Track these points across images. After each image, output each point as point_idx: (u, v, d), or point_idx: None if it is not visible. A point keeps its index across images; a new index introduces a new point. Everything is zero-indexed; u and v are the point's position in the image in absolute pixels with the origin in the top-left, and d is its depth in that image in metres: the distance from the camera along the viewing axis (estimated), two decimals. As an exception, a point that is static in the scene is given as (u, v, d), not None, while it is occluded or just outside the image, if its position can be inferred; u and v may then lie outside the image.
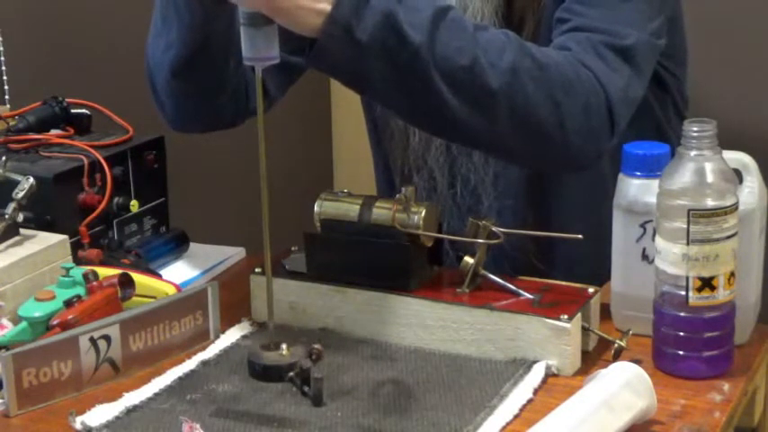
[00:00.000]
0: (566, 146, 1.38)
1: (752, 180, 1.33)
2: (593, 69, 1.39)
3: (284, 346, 1.31)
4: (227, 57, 1.49)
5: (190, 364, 1.34)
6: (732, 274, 1.27)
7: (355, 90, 1.37)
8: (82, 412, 1.23)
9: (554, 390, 1.26)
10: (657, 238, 1.28)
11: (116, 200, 1.62)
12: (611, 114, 1.40)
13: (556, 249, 1.62)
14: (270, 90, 1.60)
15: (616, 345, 1.30)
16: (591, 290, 1.35)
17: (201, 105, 1.56)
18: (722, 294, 1.27)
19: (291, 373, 1.26)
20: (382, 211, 1.38)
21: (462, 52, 1.31)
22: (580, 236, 1.33)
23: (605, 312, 1.39)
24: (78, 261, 1.50)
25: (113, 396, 1.27)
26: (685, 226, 1.25)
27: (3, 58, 2.09)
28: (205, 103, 1.55)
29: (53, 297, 1.37)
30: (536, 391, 1.26)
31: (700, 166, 1.24)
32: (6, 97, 2.09)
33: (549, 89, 1.35)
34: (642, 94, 1.46)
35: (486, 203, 1.61)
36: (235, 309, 1.45)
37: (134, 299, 1.41)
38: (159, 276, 1.53)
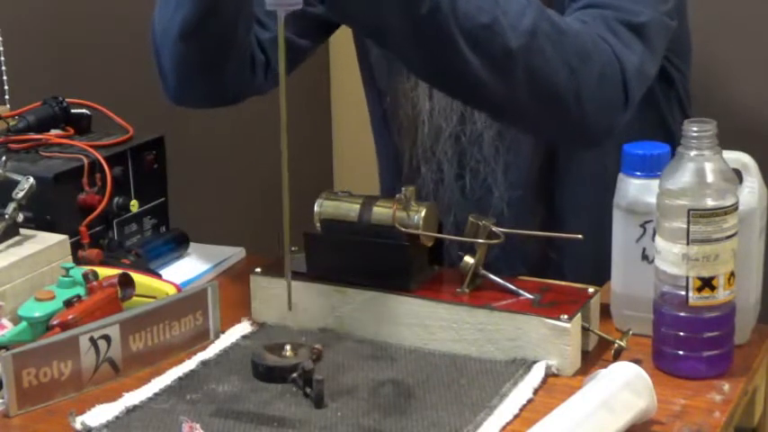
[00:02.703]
0: (581, 114, 1.38)
1: (752, 180, 1.33)
2: (609, 43, 1.40)
3: (288, 347, 1.31)
4: (237, 22, 1.48)
5: (190, 364, 1.34)
6: (732, 274, 1.27)
7: (375, 42, 1.37)
8: (82, 412, 1.23)
9: (554, 390, 1.26)
10: (657, 238, 1.28)
11: (116, 200, 1.62)
12: (625, 87, 1.40)
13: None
14: (273, 67, 1.60)
15: (616, 345, 1.30)
16: (591, 290, 1.35)
17: (206, 76, 1.54)
18: (722, 294, 1.27)
19: (294, 375, 1.26)
20: (382, 211, 1.38)
21: (483, 11, 1.31)
22: (580, 236, 1.33)
23: (605, 312, 1.39)
24: (78, 261, 1.50)
25: (113, 396, 1.27)
26: (685, 226, 1.25)
27: (3, 58, 2.09)
28: (210, 73, 1.54)
29: (53, 297, 1.37)
30: (536, 391, 1.26)
31: (700, 166, 1.24)
32: (6, 97, 2.08)
33: (566, 55, 1.35)
34: (654, 73, 1.47)
35: (497, 194, 1.61)
36: (235, 309, 1.45)
37: (134, 299, 1.41)
38: (159, 276, 1.53)
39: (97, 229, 1.60)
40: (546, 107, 1.38)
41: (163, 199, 1.72)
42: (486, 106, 1.45)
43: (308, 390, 1.25)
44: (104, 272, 1.43)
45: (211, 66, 1.53)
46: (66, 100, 1.73)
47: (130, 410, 1.24)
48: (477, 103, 1.45)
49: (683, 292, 1.26)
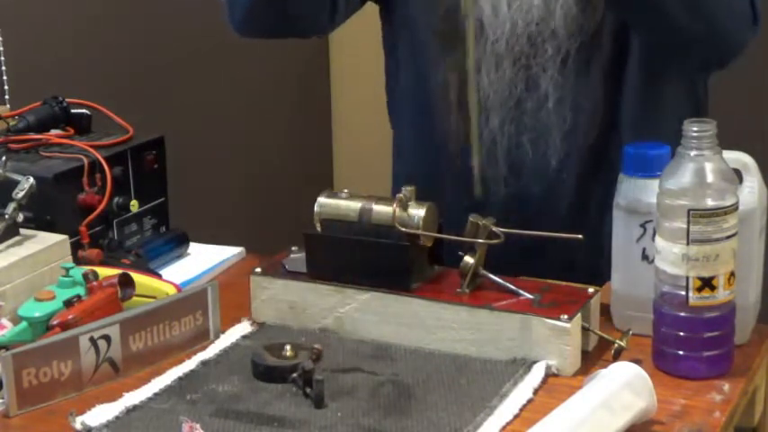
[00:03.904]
0: (724, 30, 1.50)
1: (752, 180, 1.33)
2: None
3: (288, 347, 1.31)
4: None
5: (190, 364, 1.34)
6: (732, 274, 1.27)
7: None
8: (82, 412, 1.23)
9: (554, 390, 1.26)
10: (657, 238, 1.28)
11: (116, 200, 1.62)
12: (753, 6, 1.52)
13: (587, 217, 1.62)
14: (339, 10, 1.62)
15: (616, 345, 1.30)
16: (591, 290, 1.35)
17: (273, 9, 1.58)
18: (722, 294, 1.27)
19: (294, 375, 1.26)
20: (382, 211, 1.38)
21: None
22: (580, 236, 1.33)
23: (605, 312, 1.39)
24: (78, 261, 1.50)
25: (113, 396, 1.27)
26: (685, 226, 1.25)
27: (3, 58, 2.09)
28: (277, 6, 1.57)
29: (53, 297, 1.37)
30: (536, 391, 1.26)
31: (700, 166, 1.24)
32: (6, 97, 2.09)
33: None
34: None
35: (554, 163, 1.61)
36: (235, 309, 1.45)
37: (134, 299, 1.41)
38: (159, 276, 1.53)
39: (97, 229, 1.60)
40: (702, 24, 1.47)
41: (163, 199, 1.72)
42: (661, 31, 1.52)
43: (308, 390, 1.25)
44: (104, 272, 1.43)
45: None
46: (67, 100, 1.73)
47: (130, 410, 1.24)
48: (657, 28, 1.52)
49: (683, 292, 1.26)
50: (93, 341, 1.30)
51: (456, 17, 1.60)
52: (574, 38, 1.57)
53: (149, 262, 1.60)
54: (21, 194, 1.47)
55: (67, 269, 1.40)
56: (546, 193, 1.62)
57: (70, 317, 1.33)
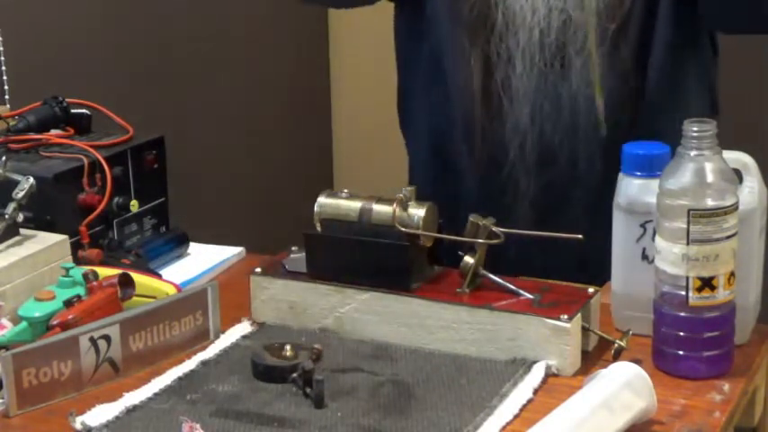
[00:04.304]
0: None
1: (752, 180, 1.33)
2: None
3: (288, 347, 1.31)
4: None
5: (190, 364, 1.34)
6: (732, 274, 1.27)
7: None
8: (82, 412, 1.23)
9: (554, 390, 1.26)
10: (657, 238, 1.28)
11: (116, 200, 1.62)
12: None
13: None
14: None
15: (616, 345, 1.30)
16: (591, 290, 1.35)
17: None
18: (722, 294, 1.27)
19: (294, 375, 1.26)
20: (382, 211, 1.38)
21: None
22: (580, 236, 1.33)
23: (605, 312, 1.39)
24: (78, 261, 1.50)
25: (113, 396, 1.27)
26: (685, 226, 1.25)
27: (3, 58, 2.09)
28: None
29: (53, 297, 1.37)
30: (536, 391, 1.26)
31: (700, 166, 1.24)
32: (6, 97, 2.09)
33: None
34: None
35: (585, 153, 1.61)
36: (235, 309, 1.45)
37: (134, 299, 1.41)
38: (159, 276, 1.53)
39: (97, 229, 1.60)
40: None
41: (163, 199, 1.72)
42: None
43: (308, 390, 1.25)
44: (104, 272, 1.43)
45: None
46: (67, 100, 1.73)
47: (130, 410, 1.24)
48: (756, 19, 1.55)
49: (683, 292, 1.26)
50: (93, 341, 1.30)
51: (487, 5, 1.60)
52: (606, 24, 1.57)
53: (149, 262, 1.60)
54: (21, 194, 1.47)
55: (67, 269, 1.40)
56: (576, 183, 1.62)
57: (70, 317, 1.33)
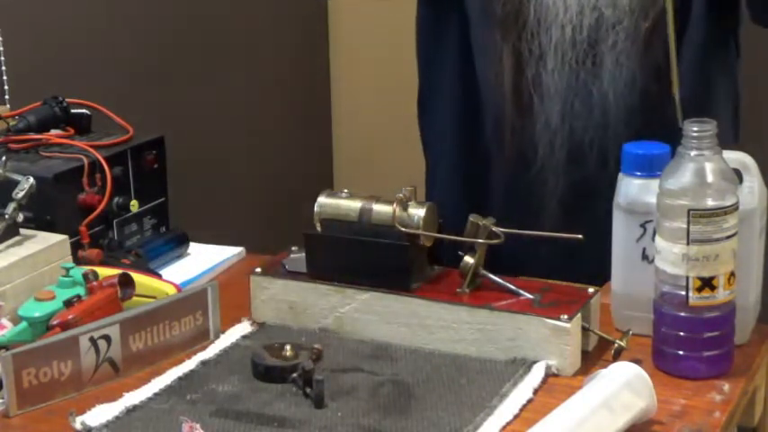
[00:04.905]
0: None
1: (752, 180, 1.33)
2: None
3: (288, 347, 1.31)
4: None
5: (190, 364, 1.34)
6: (732, 274, 1.27)
7: None
8: (82, 412, 1.23)
9: (554, 390, 1.26)
10: (657, 238, 1.28)
11: (116, 200, 1.62)
12: None
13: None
14: None
15: (616, 345, 1.30)
16: (591, 290, 1.35)
17: None
18: (722, 294, 1.27)
19: (294, 375, 1.26)
20: (382, 211, 1.38)
21: None
22: (580, 236, 1.33)
23: (605, 312, 1.39)
24: (78, 261, 1.50)
25: (113, 396, 1.27)
26: (685, 226, 1.25)
27: (3, 58, 2.09)
28: None
29: (53, 297, 1.37)
30: (536, 391, 1.26)
31: (700, 166, 1.24)
32: (6, 97, 2.09)
33: None
34: None
35: (615, 150, 1.61)
36: (235, 309, 1.45)
37: (134, 299, 1.41)
38: (159, 276, 1.53)
39: (97, 229, 1.60)
40: None
41: (163, 199, 1.72)
42: None
43: (308, 390, 1.25)
44: (104, 272, 1.43)
45: None
46: (67, 100, 1.73)
47: (130, 410, 1.24)
48: None
49: (683, 292, 1.26)
50: (93, 341, 1.30)
51: (519, 1, 1.59)
52: (639, 21, 1.56)
53: (149, 262, 1.60)
54: (21, 194, 1.47)
55: (67, 269, 1.40)
56: (605, 181, 1.61)
57: (70, 317, 1.33)
